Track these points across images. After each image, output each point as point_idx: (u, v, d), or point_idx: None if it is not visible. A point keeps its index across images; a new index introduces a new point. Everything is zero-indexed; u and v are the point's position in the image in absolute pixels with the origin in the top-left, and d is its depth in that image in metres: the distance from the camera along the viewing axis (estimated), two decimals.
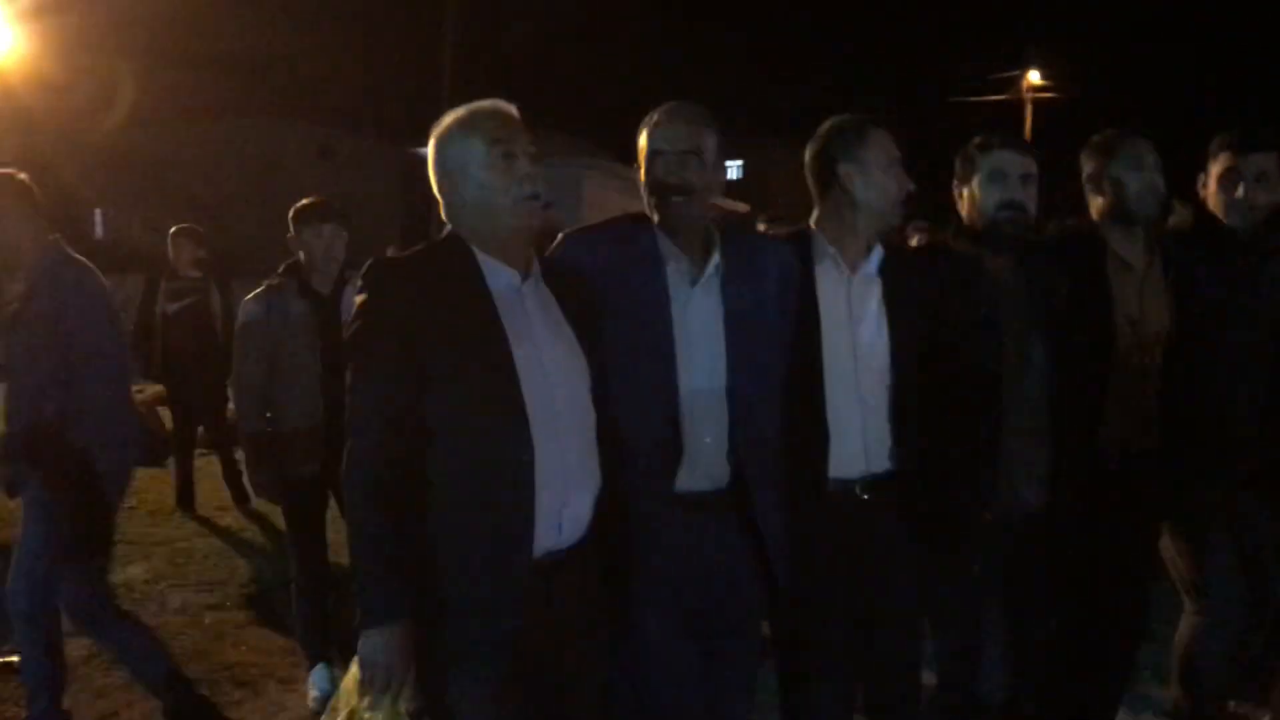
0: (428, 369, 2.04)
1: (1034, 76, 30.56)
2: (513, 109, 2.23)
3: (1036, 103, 30.65)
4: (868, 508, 2.56)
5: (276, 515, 6.20)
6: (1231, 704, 3.67)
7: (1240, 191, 3.10)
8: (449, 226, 2.23)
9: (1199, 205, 3.26)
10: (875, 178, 2.58)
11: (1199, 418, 3.03)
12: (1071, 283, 2.89)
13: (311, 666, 3.88)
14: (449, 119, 2.23)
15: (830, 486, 2.54)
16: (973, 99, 31.66)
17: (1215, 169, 3.19)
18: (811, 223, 2.66)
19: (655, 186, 2.42)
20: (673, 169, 2.40)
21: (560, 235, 2.50)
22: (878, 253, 2.64)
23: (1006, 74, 30.87)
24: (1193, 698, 3.35)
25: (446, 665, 2.06)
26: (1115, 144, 3.05)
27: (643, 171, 2.45)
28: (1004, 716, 2.97)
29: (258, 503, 6.31)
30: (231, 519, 6.54)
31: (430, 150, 2.22)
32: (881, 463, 2.58)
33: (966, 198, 2.90)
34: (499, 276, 2.16)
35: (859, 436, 2.56)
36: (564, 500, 2.12)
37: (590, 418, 2.21)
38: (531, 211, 2.18)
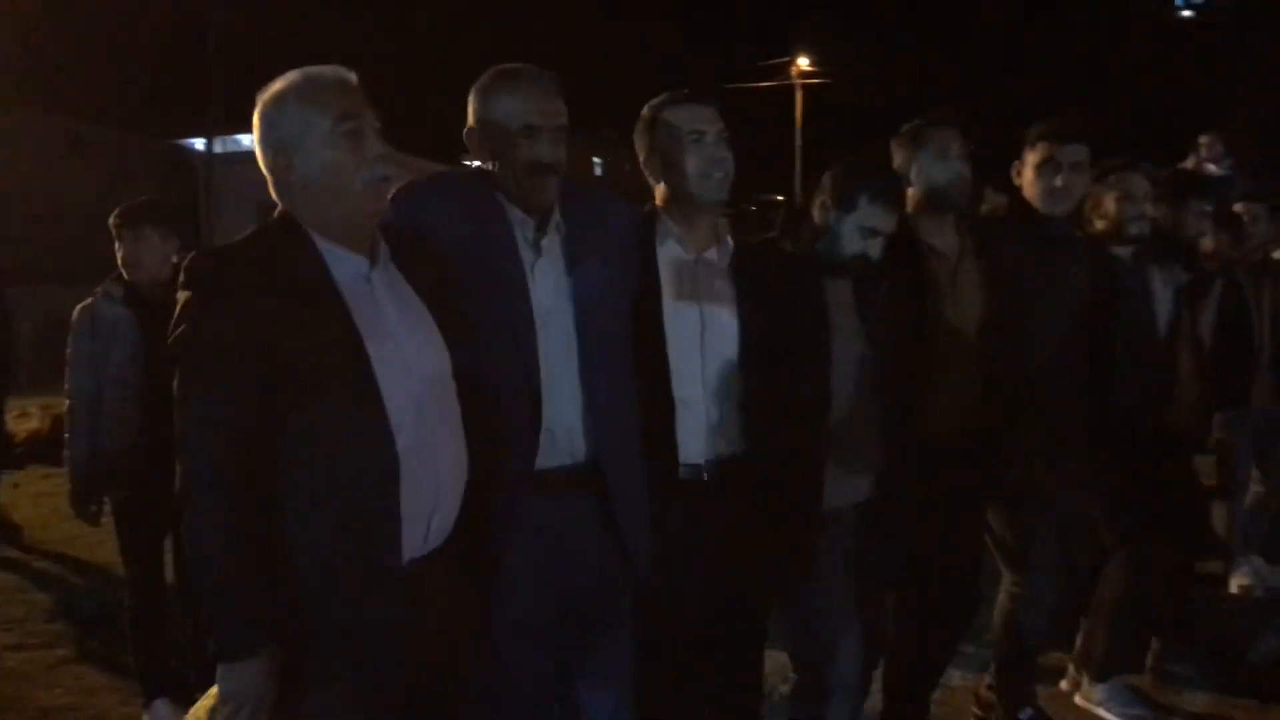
0: (273, 375, 1.81)
1: (803, 63, 31.79)
2: (354, 76, 1.98)
3: (806, 88, 31.89)
4: (714, 492, 2.53)
5: (71, 543, 5.75)
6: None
7: (1060, 180, 3.21)
8: (279, 207, 1.97)
9: (1013, 192, 3.36)
10: (670, 159, 2.53)
11: (1016, 400, 3.12)
12: (889, 276, 2.91)
13: (148, 702, 3.54)
14: (281, 85, 1.95)
15: (681, 471, 2.50)
16: (746, 85, 32.66)
17: (1032, 158, 3.29)
18: (657, 202, 2.62)
19: (533, 167, 2.25)
20: (549, 147, 2.25)
21: (391, 193, 2.25)
22: (728, 243, 2.61)
23: (777, 60, 32.01)
24: (1011, 662, 3.49)
25: (310, 689, 1.86)
26: (923, 134, 3.10)
27: (509, 147, 2.25)
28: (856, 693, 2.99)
29: (50, 529, 5.78)
30: (15, 550, 5.94)
31: (257, 120, 1.96)
32: (729, 446, 2.55)
33: (829, 221, 2.85)
34: (345, 265, 1.94)
35: (704, 419, 2.52)
36: (434, 505, 1.95)
37: (456, 408, 2.04)
38: (382, 196, 1.98)
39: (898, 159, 3.14)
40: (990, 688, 3.59)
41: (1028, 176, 3.29)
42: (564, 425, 2.27)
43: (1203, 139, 8.32)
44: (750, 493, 2.57)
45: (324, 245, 1.93)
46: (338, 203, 1.92)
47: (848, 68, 29.11)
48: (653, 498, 2.42)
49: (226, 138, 23.52)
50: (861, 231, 2.80)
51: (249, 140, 2.00)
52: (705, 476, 2.51)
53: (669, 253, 2.55)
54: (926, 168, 3.06)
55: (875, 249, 2.81)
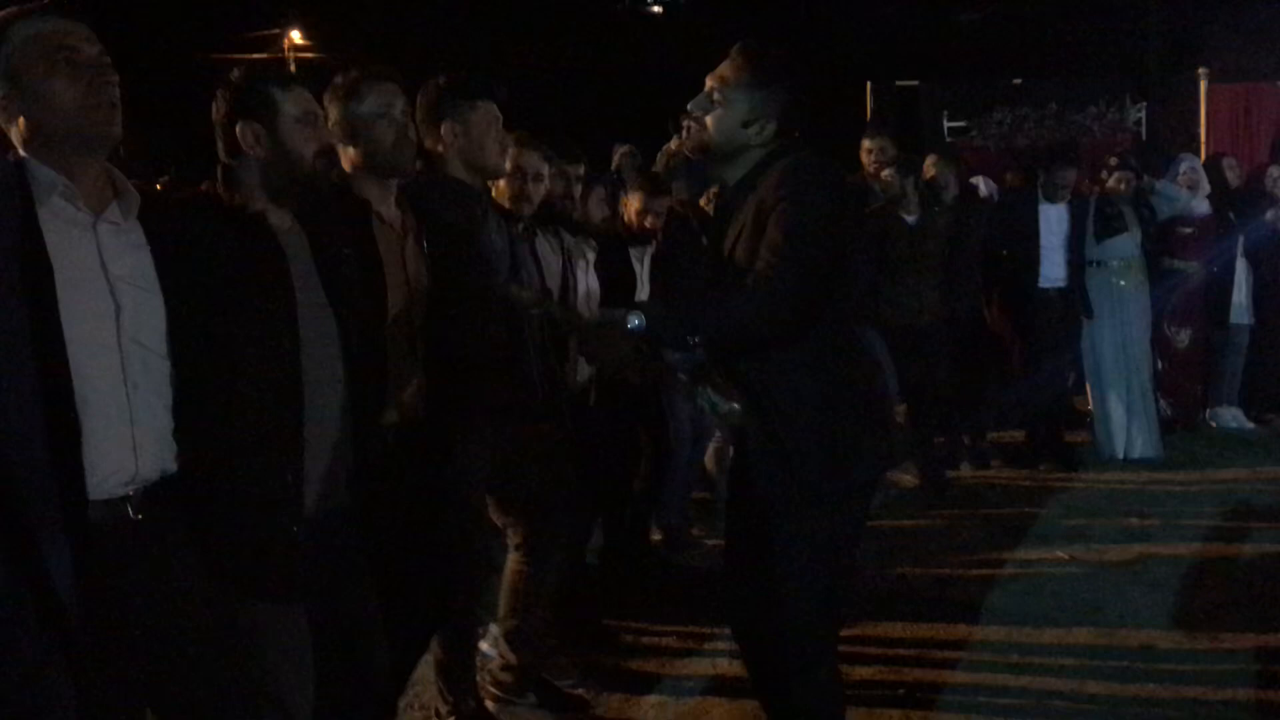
0: None
1: (295, 36, 30.59)
2: None
3: (299, 62, 30.70)
4: (146, 530, 2.11)
5: None
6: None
7: (499, 137, 3.30)
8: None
9: (429, 155, 3.33)
10: (39, 84, 2.05)
11: (456, 368, 3.09)
12: (345, 242, 2.69)
13: None
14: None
15: (93, 511, 2.03)
16: (235, 56, 30.83)
17: (475, 118, 3.29)
18: (20, 148, 2.10)
19: None
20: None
21: None
22: (132, 194, 2.15)
23: (267, 31, 30.48)
24: (520, 632, 3.64)
25: None
26: (362, 89, 2.91)
27: None
28: None
29: None
30: None
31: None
32: (160, 467, 2.15)
33: (258, 140, 2.46)
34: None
35: (127, 437, 2.08)
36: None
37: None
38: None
39: (332, 115, 2.85)
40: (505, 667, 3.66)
41: (462, 140, 3.23)
42: None
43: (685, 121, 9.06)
44: (195, 521, 2.17)
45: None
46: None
47: (342, 42, 28.46)
48: (65, 543, 1.93)
49: None
50: (300, 122, 2.41)
51: None
52: (132, 512, 2.10)
53: (55, 214, 2.04)
54: (367, 126, 2.84)
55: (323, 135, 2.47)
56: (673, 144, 8.89)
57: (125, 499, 2.08)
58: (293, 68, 31.81)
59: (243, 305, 2.28)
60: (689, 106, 2.80)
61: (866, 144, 6.92)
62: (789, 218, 2.56)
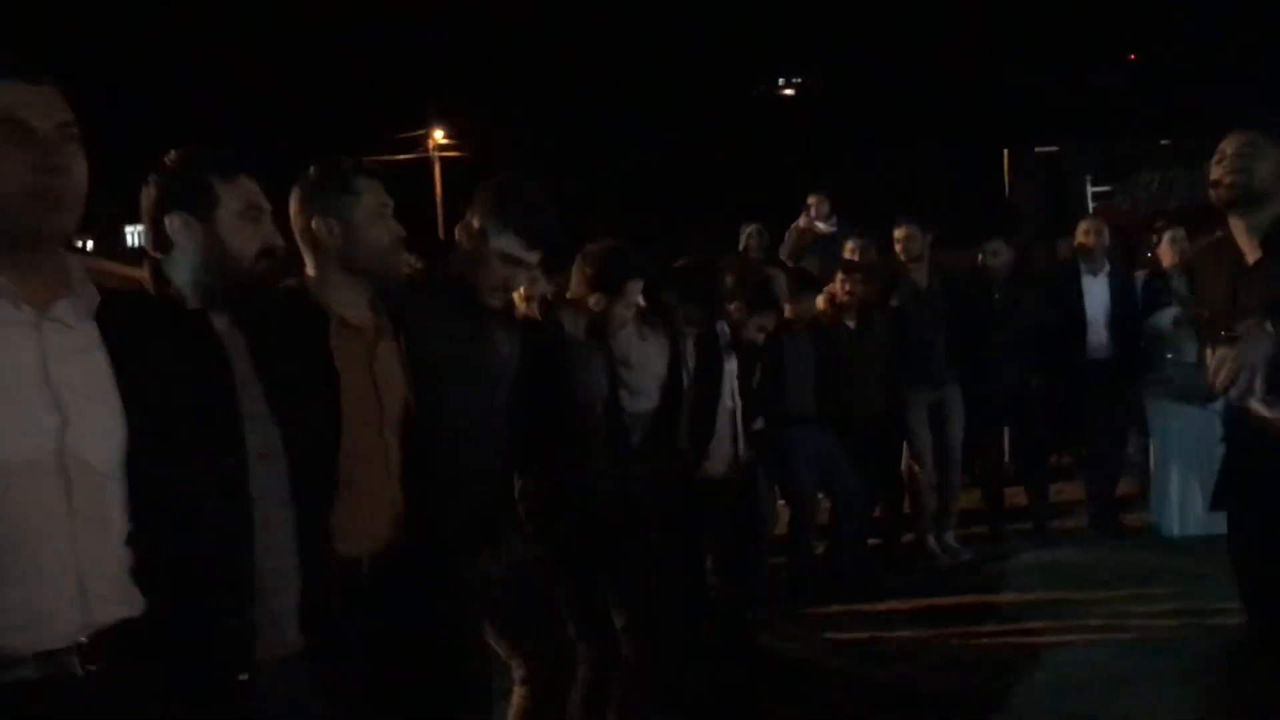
0: None
1: (439, 135, 31.88)
2: None
3: (444, 160, 31.91)
4: (98, 686, 1.68)
5: None
6: None
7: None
8: None
9: (431, 256, 3.16)
10: None
11: (439, 489, 2.68)
12: (293, 350, 2.32)
13: None
14: None
15: (26, 669, 1.64)
16: (383, 158, 32.27)
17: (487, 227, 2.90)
18: None
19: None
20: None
21: None
22: (89, 292, 1.76)
23: (412, 133, 31.87)
24: None
25: None
26: (352, 182, 2.57)
27: None
28: None
29: None
30: None
31: None
32: (110, 610, 1.70)
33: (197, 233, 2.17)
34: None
35: (72, 575, 1.66)
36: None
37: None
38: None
39: (299, 212, 2.56)
40: None
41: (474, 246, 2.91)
42: None
43: (811, 199, 8.94)
44: (141, 680, 1.75)
45: None
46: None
47: (484, 139, 29.53)
48: None
49: None
50: (245, 214, 2.15)
51: None
52: (80, 666, 1.68)
53: None
54: (362, 226, 2.53)
55: (271, 234, 2.20)
56: (801, 222, 8.79)
57: (71, 649, 1.67)
58: (437, 166, 33.11)
59: (185, 414, 1.85)
60: (1228, 159, 3.04)
61: (897, 233, 6.06)
62: None
